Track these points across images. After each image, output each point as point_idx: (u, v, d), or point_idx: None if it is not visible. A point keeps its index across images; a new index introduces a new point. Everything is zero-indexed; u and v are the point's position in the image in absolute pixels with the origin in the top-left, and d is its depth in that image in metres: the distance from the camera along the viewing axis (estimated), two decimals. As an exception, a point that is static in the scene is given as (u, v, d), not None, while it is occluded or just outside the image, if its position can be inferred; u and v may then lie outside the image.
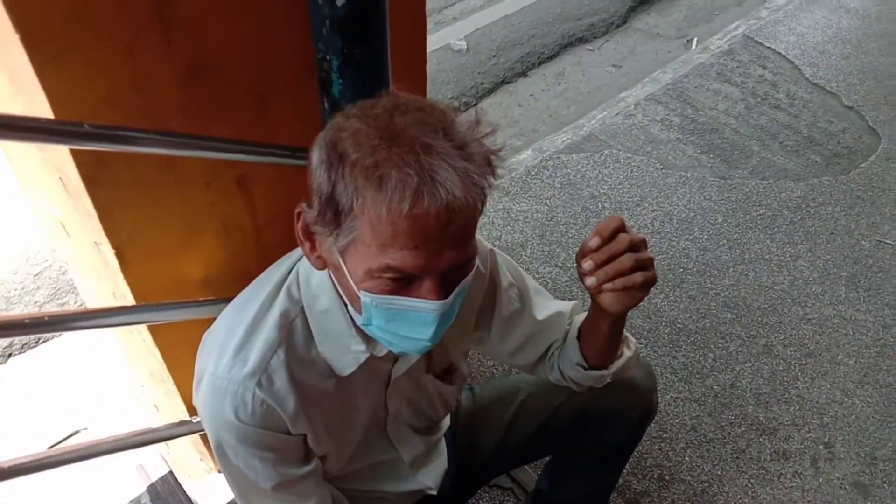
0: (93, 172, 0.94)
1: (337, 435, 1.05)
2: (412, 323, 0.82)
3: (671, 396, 2.08)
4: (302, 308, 0.93)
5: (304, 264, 0.94)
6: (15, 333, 0.96)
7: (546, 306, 1.16)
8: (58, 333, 2.53)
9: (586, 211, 2.65)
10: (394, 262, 0.76)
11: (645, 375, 1.27)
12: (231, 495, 1.06)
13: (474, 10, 4.16)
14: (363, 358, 0.95)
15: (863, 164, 2.93)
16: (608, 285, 0.89)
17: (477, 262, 1.08)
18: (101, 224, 1.00)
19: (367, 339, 0.94)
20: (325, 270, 0.89)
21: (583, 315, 1.15)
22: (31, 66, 0.82)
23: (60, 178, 1.03)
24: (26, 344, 2.51)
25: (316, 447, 1.02)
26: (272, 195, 1.20)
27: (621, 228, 0.88)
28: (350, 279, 0.81)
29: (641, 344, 2.21)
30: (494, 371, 2.10)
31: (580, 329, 1.11)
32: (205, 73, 0.96)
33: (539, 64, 3.79)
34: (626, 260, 0.87)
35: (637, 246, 0.88)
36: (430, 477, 1.24)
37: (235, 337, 0.91)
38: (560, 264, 2.44)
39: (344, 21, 0.91)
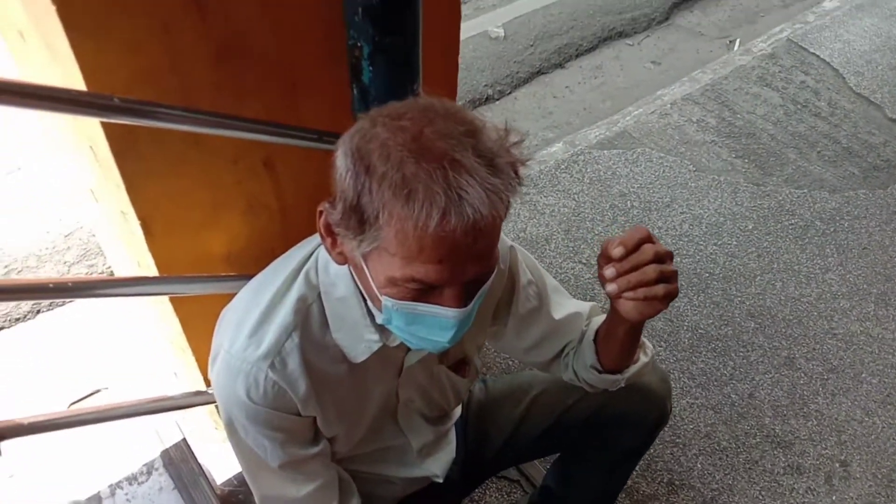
0: (122, 144, 0.95)
1: (347, 419, 1.06)
2: (432, 327, 0.83)
3: (687, 402, 2.07)
4: (319, 294, 0.94)
5: (324, 251, 0.95)
6: (39, 297, 0.98)
7: (564, 306, 1.15)
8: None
9: (614, 209, 2.62)
10: (418, 275, 0.77)
11: (660, 381, 1.26)
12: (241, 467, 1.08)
13: (515, -2, 4.12)
14: (376, 347, 0.96)
15: (903, 179, 2.86)
16: (629, 294, 0.88)
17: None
18: (128, 195, 1.01)
19: (381, 330, 0.94)
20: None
21: (601, 317, 1.14)
22: (67, 38, 0.83)
23: (91, 147, 1.05)
24: (54, 302, 2.57)
25: (326, 430, 1.03)
26: (299, 177, 1.20)
27: (647, 239, 0.87)
28: (372, 282, 0.82)
29: (661, 347, 2.19)
30: (510, 364, 2.10)
31: (597, 332, 1.10)
32: (237, 53, 0.97)
33: (577, 56, 3.74)
34: (651, 271, 0.86)
35: (662, 257, 0.87)
36: (438, 465, 1.25)
37: (252, 318, 0.92)
38: (584, 261, 2.42)
39: (376, 9, 0.90)
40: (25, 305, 2.52)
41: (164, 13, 0.88)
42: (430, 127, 0.74)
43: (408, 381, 1.08)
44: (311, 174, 1.19)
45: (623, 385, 1.14)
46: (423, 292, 0.80)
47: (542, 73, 3.61)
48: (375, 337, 0.95)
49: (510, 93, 3.44)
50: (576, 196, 2.66)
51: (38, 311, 2.54)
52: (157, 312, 1.38)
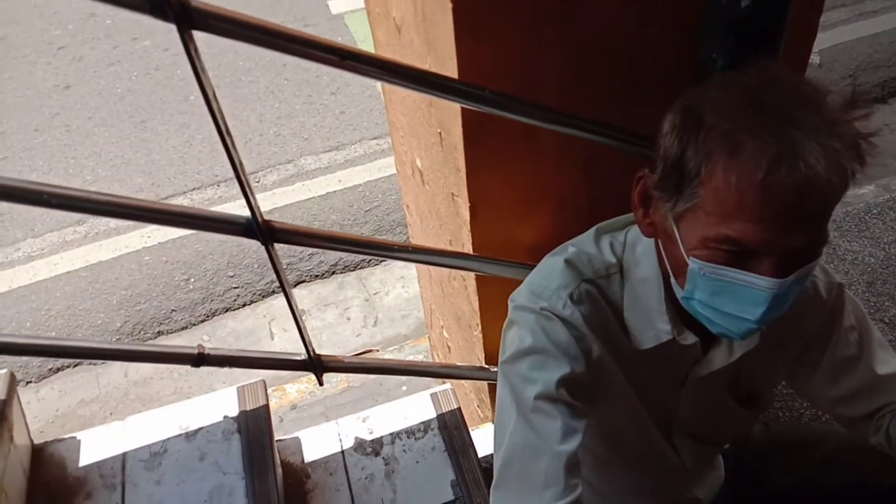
0: (474, 133, 1.06)
1: (620, 406, 1.01)
2: (740, 300, 0.76)
3: None
4: (621, 268, 0.94)
5: (634, 231, 0.95)
6: (379, 254, 1.13)
7: (889, 362, 1.03)
8: (377, 262, 2.91)
9: (933, 267, 2.29)
10: (734, 234, 0.72)
11: None
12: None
13: (836, 24, 3.76)
14: (665, 338, 0.92)
15: None
16: None
17: (820, 286, 1.01)
18: (467, 180, 1.12)
19: (675, 323, 0.92)
20: (652, 241, 0.89)
21: None
22: (454, 33, 0.94)
23: (440, 132, 1.18)
24: (347, 266, 2.92)
25: (598, 412, 0.98)
26: (612, 180, 1.24)
27: None
28: (681, 246, 0.78)
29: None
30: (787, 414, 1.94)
31: None
32: (592, 56, 1.02)
33: (905, 91, 3.32)
34: None
35: None
36: (703, 490, 1.20)
37: (555, 261, 0.95)
38: (888, 320, 2.15)
39: (743, 23, 0.90)
40: (326, 266, 2.90)
41: (535, 12, 0.95)
42: (770, 88, 0.71)
43: (690, 395, 1.03)
44: (625, 179, 1.22)
45: None
46: (737, 258, 0.74)
47: (860, 107, 3.25)
48: (667, 327, 0.91)
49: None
50: (886, 247, 2.36)
51: (334, 273, 2.92)
52: (455, 288, 1.50)
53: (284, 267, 2.97)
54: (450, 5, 0.92)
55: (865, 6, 3.90)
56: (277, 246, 1.01)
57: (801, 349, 1.05)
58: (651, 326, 0.93)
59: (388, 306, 2.75)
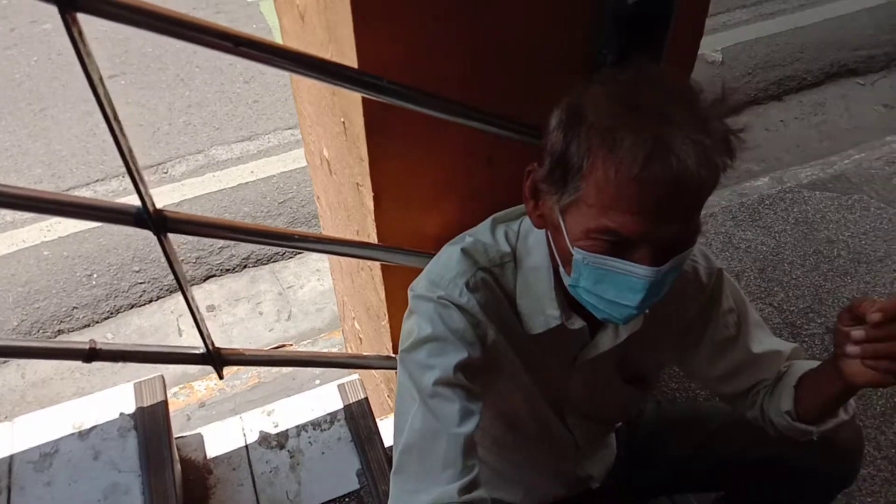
0: (375, 122, 1.06)
1: (516, 390, 1.06)
2: (621, 287, 0.81)
3: (869, 472, 1.88)
4: (514, 257, 0.98)
5: (527, 221, 0.98)
6: (282, 244, 1.12)
7: (764, 342, 1.11)
8: (291, 255, 2.86)
9: (818, 254, 2.44)
10: (613, 225, 0.76)
11: (853, 439, 1.17)
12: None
13: (738, 24, 3.95)
14: (554, 323, 0.96)
15: None
16: (870, 361, 0.84)
17: (701, 272, 1.07)
18: (370, 169, 1.12)
19: (564, 309, 0.96)
20: (543, 232, 0.93)
21: (804, 363, 1.09)
22: (352, 22, 0.94)
23: (343, 121, 1.17)
24: (259, 260, 2.86)
25: (495, 392, 1.02)
26: (515, 173, 1.26)
27: None
28: (567, 238, 0.82)
29: (850, 410, 2.02)
30: (683, 395, 2.03)
31: (802, 379, 1.05)
32: (490, 57, 1.04)
33: (798, 90, 3.53)
34: None
35: None
36: (596, 468, 1.26)
37: (452, 250, 0.98)
38: (776, 304, 2.28)
39: (630, 20, 0.93)
40: (238, 259, 2.83)
41: (435, 3, 0.96)
42: (646, 86, 0.76)
43: (580, 376, 1.08)
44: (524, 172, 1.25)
45: (814, 439, 1.08)
46: (617, 248, 0.79)
47: (757, 104, 3.44)
48: (556, 313, 0.96)
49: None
50: (777, 235, 2.51)
51: (245, 266, 2.85)
52: (363, 280, 1.50)
53: (194, 261, 2.89)
54: (348, -6, 0.92)
55: (765, 8, 4.12)
56: (190, 239, 0.98)
57: (683, 331, 1.11)
58: (541, 312, 0.97)
59: (303, 300, 2.72)
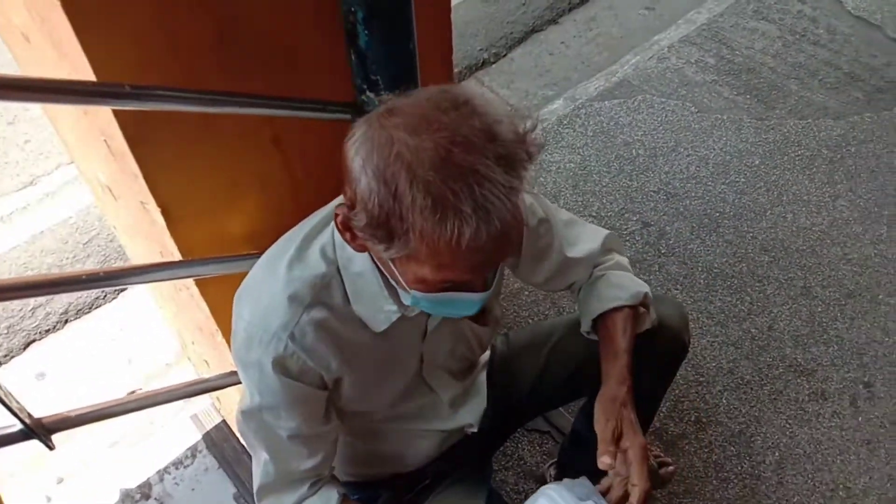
0: (136, 133, 0.98)
1: (377, 383, 1.10)
2: (458, 306, 0.90)
3: (707, 341, 2.10)
4: (338, 268, 0.97)
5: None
6: (74, 289, 1.02)
7: (576, 244, 1.20)
8: (113, 296, 2.65)
9: (620, 159, 2.63)
10: (451, 277, 0.83)
11: (677, 316, 1.28)
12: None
13: (502, -42, 4.07)
14: (394, 318, 1.00)
15: (908, 99, 2.83)
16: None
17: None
18: (147, 184, 1.04)
19: (399, 301, 0.98)
20: None
21: (616, 257, 1.23)
22: (74, 33, 0.85)
23: (105, 140, 1.08)
24: (80, 310, 2.63)
25: (358, 395, 1.07)
26: (307, 151, 1.23)
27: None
28: (400, 278, 0.86)
29: (676, 290, 2.22)
30: (533, 320, 2.13)
31: (598, 322, 1.20)
32: (236, 31, 0.99)
33: (570, 10, 3.71)
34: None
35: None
36: (471, 415, 1.29)
37: (269, 290, 0.96)
38: (594, 213, 2.44)
39: (368, -27, 0.92)
40: (55, 316, 2.58)
41: (162, -1, 0.90)
42: (454, 143, 0.74)
43: (433, 341, 1.12)
44: (318, 147, 1.21)
45: None
46: (453, 286, 0.85)
47: (537, 31, 3.58)
48: (394, 308, 0.98)
49: (506, 54, 3.43)
50: (580, 150, 2.66)
51: (67, 321, 2.61)
52: (184, 300, 1.41)
53: (5, 332, 2.58)
54: (58, 3, 0.83)
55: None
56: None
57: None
58: (380, 310, 0.99)
59: (141, 340, 2.53)
